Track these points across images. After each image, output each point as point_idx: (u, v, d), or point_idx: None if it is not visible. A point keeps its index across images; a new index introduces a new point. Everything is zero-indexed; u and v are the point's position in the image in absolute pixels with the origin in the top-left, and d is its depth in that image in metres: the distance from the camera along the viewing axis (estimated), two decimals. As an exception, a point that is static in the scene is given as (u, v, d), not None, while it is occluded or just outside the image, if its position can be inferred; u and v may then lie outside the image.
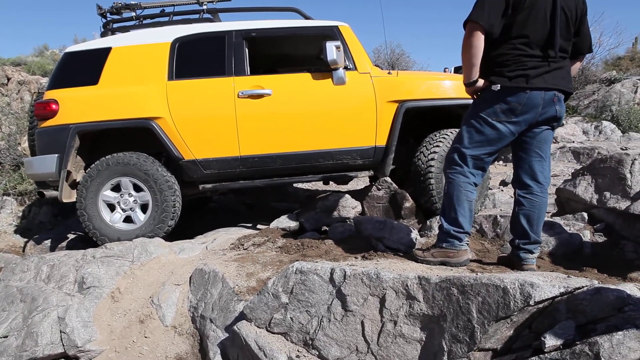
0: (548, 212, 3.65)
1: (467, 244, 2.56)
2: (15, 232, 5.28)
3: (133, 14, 4.21)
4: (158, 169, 3.69)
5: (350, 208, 3.86)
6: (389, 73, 3.89)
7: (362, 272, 2.08)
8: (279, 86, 3.79)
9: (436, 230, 3.04)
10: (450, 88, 3.84)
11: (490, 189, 4.49)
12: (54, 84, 3.87)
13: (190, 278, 2.95)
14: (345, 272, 2.12)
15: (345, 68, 3.76)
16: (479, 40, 2.32)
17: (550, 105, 2.36)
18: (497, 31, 2.32)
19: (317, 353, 2.08)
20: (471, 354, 1.75)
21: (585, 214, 3.38)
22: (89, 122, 3.70)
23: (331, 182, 4.70)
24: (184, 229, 4.15)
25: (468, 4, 2.42)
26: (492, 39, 2.34)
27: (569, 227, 3.21)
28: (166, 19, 4.22)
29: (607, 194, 3.32)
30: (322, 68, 3.85)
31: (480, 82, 2.42)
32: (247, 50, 3.85)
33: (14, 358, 2.68)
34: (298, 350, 2.12)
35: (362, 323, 2.03)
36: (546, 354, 1.60)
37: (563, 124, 8.19)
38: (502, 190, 4.92)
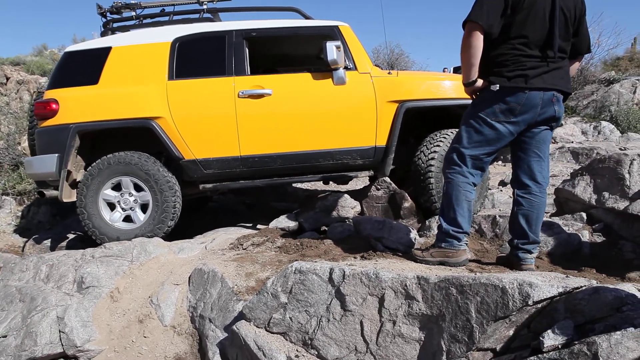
0: (547, 212, 3.66)
1: (466, 244, 2.57)
2: (14, 231, 5.28)
3: (133, 13, 4.21)
4: (159, 169, 3.69)
5: (349, 208, 3.86)
6: (389, 73, 3.89)
7: (361, 272, 2.08)
8: (279, 86, 3.79)
9: (435, 230, 3.04)
10: (450, 88, 3.84)
11: (489, 189, 4.49)
12: (54, 84, 3.87)
13: (189, 278, 2.95)
14: (344, 272, 2.12)
15: (346, 68, 3.76)
16: (478, 40, 2.32)
17: (549, 106, 2.37)
18: (496, 31, 2.33)
19: (316, 353, 2.08)
20: (470, 354, 1.75)
21: (584, 214, 3.39)
22: (89, 122, 3.70)
23: (331, 182, 4.70)
24: (183, 228, 4.15)
25: (467, 4, 2.43)
26: (491, 39, 2.34)
27: (568, 227, 3.21)
28: (166, 18, 4.22)
29: (606, 194, 3.33)
30: (322, 68, 3.85)
31: (479, 82, 2.43)
32: (247, 50, 3.84)
33: (13, 358, 2.67)
34: (297, 350, 2.13)
35: (361, 323, 2.03)
36: (545, 354, 1.61)
37: (562, 124, 8.19)
38: (501, 191, 4.92)
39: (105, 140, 3.94)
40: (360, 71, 3.81)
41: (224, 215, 5.09)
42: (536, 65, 2.33)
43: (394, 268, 2.25)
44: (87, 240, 4.57)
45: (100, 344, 2.72)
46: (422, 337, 1.91)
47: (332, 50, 3.55)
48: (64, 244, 4.72)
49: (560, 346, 1.60)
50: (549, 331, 1.63)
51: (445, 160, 2.60)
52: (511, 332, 1.75)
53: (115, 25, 4.19)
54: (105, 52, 3.84)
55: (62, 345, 2.69)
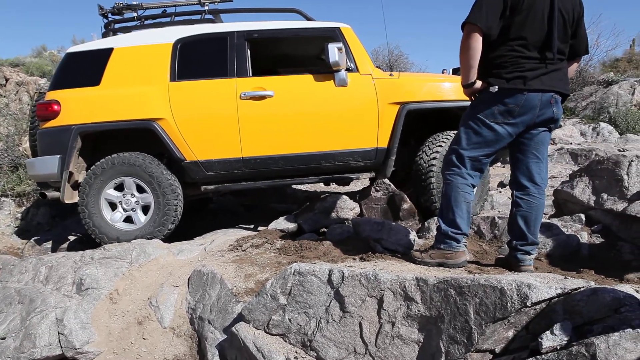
0: (546, 214, 3.66)
1: (465, 245, 2.57)
2: (13, 233, 5.28)
3: (134, 14, 4.21)
4: (163, 171, 3.70)
5: (348, 209, 3.86)
6: (390, 75, 3.90)
7: (360, 274, 2.08)
8: (281, 88, 3.80)
9: (434, 232, 3.05)
10: (451, 90, 3.85)
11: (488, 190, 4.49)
12: (56, 85, 3.87)
13: (188, 279, 2.95)
14: (343, 273, 2.12)
15: (347, 70, 3.77)
16: (477, 42, 2.33)
17: (548, 107, 2.37)
18: (495, 33, 2.33)
19: (315, 354, 2.08)
20: (468, 355, 1.75)
21: (582, 216, 3.40)
22: (91, 123, 3.71)
23: (331, 183, 4.71)
24: (185, 229, 4.15)
25: (466, 5, 2.43)
26: (489, 40, 2.35)
27: (567, 229, 3.22)
28: (167, 19, 4.22)
29: (605, 196, 3.34)
30: (323, 69, 3.85)
31: (478, 83, 2.43)
32: (249, 51, 3.85)
33: None
34: (296, 352, 2.13)
35: (360, 324, 2.03)
36: (543, 355, 1.61)
37: (561, 126, 8.20)
38: (500, 192, 4.93)
39: (107, 142, 3.94)
40: (362, 73, 3.82)
41: (223, 216, 5.09)
42: (535, 67, 2.34)
43: (393, 269, 2.25)
44: (87, 241, 4.57)
45: (99, 346, 2.72)
46: (421, 339, 1.91)
47: (334, 52, 3.56)
48: (63, 245, 4.72)
49: (558, 347, 1.60)
50: (548, 332, 1.63)
51: (444, 162, 2.60)
52: (510, 334, 1.75)
53: (116, 26, 4.19)
54: (107, 53, 3.84)
55: (61, 347, 2.69)
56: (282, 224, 3.83)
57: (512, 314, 1.71)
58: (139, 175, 3.68)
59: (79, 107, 3.73)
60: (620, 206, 3.20)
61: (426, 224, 3.53)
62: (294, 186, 5.99)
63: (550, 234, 3.06)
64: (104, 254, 3.25)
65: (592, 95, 10.58)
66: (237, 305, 2.56)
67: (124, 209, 3.76)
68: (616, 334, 1.50)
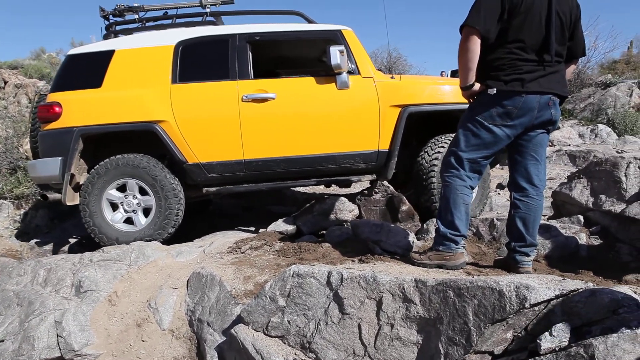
0: (544, 215, 3.67)
1: (464, 247, 2.58)
2: (12, 235, 5.27)
3: (136, 16, 4.21)
4: (166, 175, 3.70)
5: (347, 211, 3.86)
6: (391, 77, 3.91)
7: (359, 275, 2.09)
8: (282, 90, 3.81)
9: (433, 234, 3.05)
10: (452, 93, 3.86)
11: (486, 192, 4.50)
12: (57, 87, 3.87)
13: (187, 281, 2.95)
14: (342, 275, 2.13)
15: (349, 72, 3.78)
16: (476, 44, 2.34)
17: (546, 109, 2.38)
18: (493, 36, 2.34)
19: (314, 356, 2.08)
20: (467, 357, 1.75)
21: (581, 217, 3.41)
22: (93, 125, 3.71)
23: (331, 185, 4.72)
24: (184, 231, 4.14)
25: (465, 7, 2.44)
26: (488, 43, 2.36)
27: (565, 230, 3.23)
28: (169, 21, 4.22)
29: (603, 197, 3.35)
30: (324, 71, 3.87)
31: (477, 86, 2.44)
32: (250, 53, 3.86)
33: (11, 362, 2.67)
34: (295, 354, 2.13)
35: (359, 326, 2.03)
36: (542, 357, 1.61)
37: (559, 127, 8.22)
38: (498, 194, 4.94)
39: (108, 144, 3.94)
40: (363, 75, 3.83)
41: (222, 218, 5.09)
42: (533, 69, 2.35)
43: (391, 271, 2.26)
44: (85, 244, 4.57)
45: (98, 348, 2.71)
46: (420, 340, 1.91)
47: (335, 54, 3.57)
48: (62, 247, 4.71)
49: (557, 349, 1.60)
50: (546, 334, 1.63)
51: (442, 164, 2.61)
52: (508, 335, 1.75)
53: (118, 28, 4.19)
54: (108, 55, 3.85)
55: (60, 349, 2.68)
56: (281, 226, 3.83)
57: (511, 316, 1.71)
58: (142, 177, 3.68)
59: (80, 109, 3.73)
60: (618, 207, 3.21)
61: (425, 225, 3.53)
62: (293, 188, 5.99)
63: (548, 235, 3.07)
64: (102, 256, 3.25)
65: (590, 97, 10.61)
66: (236, 307, 2.55)
67: (125, 210, 3.76)
68: (614, 335, 1.50)
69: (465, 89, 2.47)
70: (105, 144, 3.94)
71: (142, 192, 3.73)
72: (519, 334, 1.73)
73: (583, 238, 3.17)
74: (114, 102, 3.74)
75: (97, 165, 3.73)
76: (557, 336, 1.61)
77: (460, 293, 1.83)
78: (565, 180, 3.87)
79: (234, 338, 2.31)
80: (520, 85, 2.34)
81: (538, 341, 1.63)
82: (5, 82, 9.80)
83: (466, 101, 2.64)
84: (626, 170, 3.31)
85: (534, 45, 2.34)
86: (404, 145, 3.89)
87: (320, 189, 5.91)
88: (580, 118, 9.97)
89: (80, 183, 3.81)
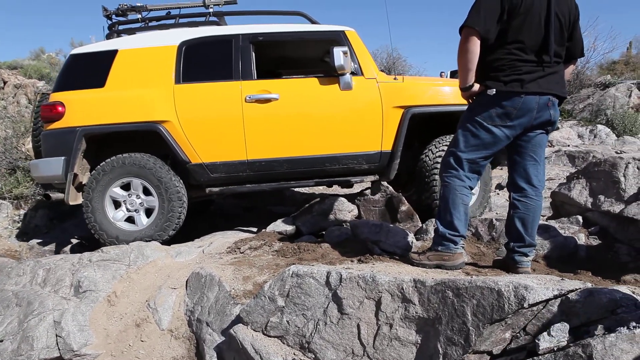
0: (543, 216, 3.68)
1: (463, 247, 2.58)
2: (11, 236, 5.27)
3: (139, 16, 4.21)
4: (172, 177, 3.71)
5: (346, 211, 3.87)
6: (394, 79, 3.93)
7: (358, 276, 2.09)
8: (286, 91, 3.82)
9: (432, 234, 3.05)
10: (455, 94, 3.86)
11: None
12: (60, 86, 3.87)
13: (186, 282, 2.95)
14: (341, 275, 2.13)
15: (352, 73, 3.79)
16: (475, 45, 2.34)
17: (545, 110, 2.39)
18: (492, 37, 2.35)
19: (314, 356, 2.09)
20: (466, 357, 1.76)
21: (580, 217, 3.41)
22: (97, 125, 3.71)
23: (333, 185, 4.72)
24: (186, 230, 4.14)
25: (464, 8, 2.45)
26: (487, 44, 2.36)
27: (564, 230, 3.23)
28: (172, 21, 4.22)
29: (602, 197, 3.35)
30: (327, 72, 3.87)
31: (476, 86, 2.45)
32: (253, 54, 3.86)
33: (10, 362, 2.67)
34: (294, 354, 2.13)
35: (358, 326, 2.03)
36: (540, 356, 1.62)
37: (558, 128, 8.22)
38: (497, 194, 4.95)
39: (111, 143, 3.94)
40: (367, 76, 3.84)
41: (221, 219, 5.09)
42: (532, 70, 2.35)
43: (390, 271, 2.26)
44: (85, 244, 4.56)
45: (97, 348, 2.71)
46: (419, 340, 1.92)
47: (339, 55, 3.58)
48: (61, 248, 4.71)
49: (555, 348, 1.61)
50: (545, 333, 1.64)
51: (442, 164, 2.62)
52: (507, 335, 1.75)
53: (120, 27, 4.19)
54: (111, 55, 3.85)
55: (59, 349, 2.68)
56: (280, 226, 3.83)
57: (510, 316, 1.71)
58: (147, 178, 3.69)
59: (83, 108, 3.73)
60: (617, 208, 3.21)
61: (424, 226, 3.54)
62: (292, 188, 6.00)
63: (547, 235, 3.07)
64: (102, 256, 3.25)
65: (589, 97, 10.61)
66: (235, 308, 2.56)
67: (127, 209, 3.76)
68: (612, 335, 1.51)
69: (465, 89, 2.48)
70: (108, 143, 3.93)
71: (146, 192, 3.73)
72: (518, 334, 1.74)
73: (582, 238, 3.17)
74: (117, 102, 3.74)
75: (104, 162, 3.73)
76: (556, 336, 1.61)
77: (459, 293, 1.83)
78: (564, 181, 3.87)
79: (233, 338, 2.31)
80: (519, 85, 2.34)
81: (536, 341, 1.64)
82: (5, 83, 9.80)
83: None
84: (625, 170, 3.32)
85: (533, 46, 2.34)
86: (406, 146, 3.90)
87: (320, 189, 5.92)
88: (580, 119, 9.98)
89: (83, 183, 3.81)
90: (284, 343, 2.19)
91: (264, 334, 2.25)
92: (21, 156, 6.16)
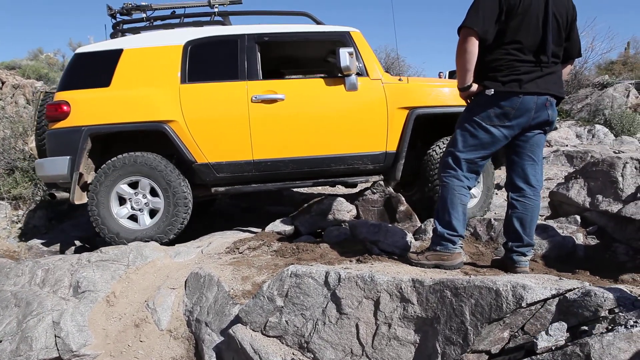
0: (541, 215, 3.68)
1: (461, 247, 2.59)
2: (10, 236, 5.26)
3: (143, 15, 4.21)
4: (181, 182, 3.71)
5: (345, 211, 3.87)
6: (399, 80, 3.94)
7: (357, 275, 2.09)
8: (291, 91, 3.83)
9: (430, 234, 3.06)
10: (459, 96, 3.88)
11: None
12: (65, 86, 3.86)
13: (185, 282, 2.95)
14: (339, 275, 2.13)
15: (357, 74, 3.80)
16: (473, 46, 2.35)
17: (543, 110, 2.40)
18: (490, 37, 2.36)
19: (312, 356, 2.09)
20: (464, 356, 1.76)
21: (578, 217, 3.42)
22: (102, 125, 3.71)
23: (330, 185, 4.73)
24: (186, 230, 4.13)
25: (463, 8, 2.46)
26: (485, 44, 2.37)
27: (562, 230, 3.24)
28: (176, 21, 4.21)
29: (600, 197, 3.36)
30: (330, 72, 3.88)
31: (474, 86, 2.45)
32: (259, 54, 3.87)
33: (8, 363, 2.66)
34: (293, 354, 2.13)
35: (357, 326, 2.04)
36: (538, 356, 1.62)
37: (556, 128, 8.24)
38: (496, 194, 4.95)
39: (116, 143, 3.93)
40: (372, 77, 3.86)
41: (221, 219, 5.09)
42: (530, 70, 2.36)
43: (389, 271, 2.26)
44: (84, 244, 4.56)
45: (96, 349, 2.71)
46: (417, 340, 1.92)
47: (345, 56, 3.60)
48: (60, 248, 4.70)
49: (553, 348, 1.61)
50: (543, 333, 1.64)
51: (440, 164, 2.62)
52: (505, 334, 1.76)
53: (125, 27, 4.18)
54: (116, 54, 3.84)
55: (58, 350, 2.68)
56: (279, 226, 3.83)
57: (508, 315, 1.72)
58: (157, 179, 3.69)
59: (89, 108, 3.73)
60: (615, 207, 3.22)
61: (422, 225, 3.54)
62: (292, 188, 5.99)
63: (546, 235, 3.08)
64: (100, 256, 3.25)
65: (587, 97, 10.63)
66: (234, 308, 2.56)
67: (132, 207, 3.76)
68: (610, 334, 1.51)
69: (463, 89, 2.48)
70: (114, 143, 3.93)
71: (153, 193, 3.73)
72: (516, 333, 1.74)
73: (580, 238, 3.18)
74: (123, 101, 3.74)
75: (115, 158, 3.72)
76: (554, 335, 1.62)
77: (457, 293, 1.84)
78: (563, 181, 3.88)
79: (232, 338, 2.31)
80: (517, 86, 2.35)
81: (535, 340, 1.65)
82: (3, 83, 9.78)
83: None
84: (623, 170, 3.33)
85: (531, 46, 2.35)
86: (410, 147, 3.91)
87: (318, 189, 5.92)
88: (578, 119, 10.00)
89: (88, 182, 3.81)
90: (282, 343, 2.20)
91: (262, 334, 2.25)
92: (20, 156, 6.15)
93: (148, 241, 3.60)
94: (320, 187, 5.80)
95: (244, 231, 4.07)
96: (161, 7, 4.26)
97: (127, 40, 3.98)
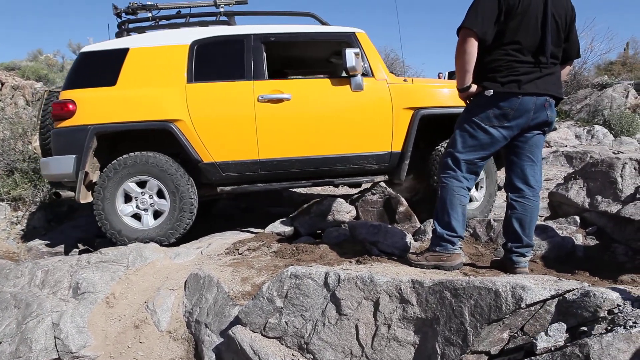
0: (541, 216, 3.69)
1: (461, 247, 2.59)
2: (9, 237, 5.25)
3: (149, 14, 4.21)
4: (190, 188, 3.72)
5: (344, 212, 3.87)
6: (404, 80, 3.96)
7: (356, 276, 2.09)
8: (298, 91, 3.84)
9: (430, 234, 3.06)
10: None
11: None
12: (71, 84, 3.86)
13: (185, 283, 2.95)
14: (339, 276, 2.13)
15: (363, 75, 3.81)
16: (473, 46, 2.35)
17: (542, 111, 2.40)
18: (490, 38, 2.36)
19: (312, 357, 2.09)
20: (464, 357, 1.76)
21: (577, 218, 3.42)
22: (108, 124, 3.71)
23: (334, 185, 4.74)
24: (187, 231, 4.13)
25: (462, 8, 2.46)
26: (485, 45, 2.37)
27: (562, 231, 3.24)
28: (182, 20, 4.22)
29: (599, 198, 3.36)
30: (335, 72, 3.88)
31: (474, 87, 2.46)
32: (265, 54, 3.88)
33: (8, 364, 2.66)
34: (293, 355, 2.13)
35: (357, 327, 2.04)
36: (538, 356, 1.62)
37: (556, 128, 8.24)
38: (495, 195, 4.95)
39: (122, 142, 3.93)
40: (377, 78, 3.88)
41: (220, 219, 5.09)
42: (529, 71, 2.37)
43: (388, 272, 2.26)
44: (83, 246, 4.56)
45: (96, 350, 2.71)
46: (417, 341, 1.92)
47: (351, 57, 3.62)
48: (59, 249, 4.70)
49: (553, 348, 1.61)
50: (542, 333, 1.65)
51: (440, 165, 2.62)
52: (505, 335, 1.76)
53: (130, 26, 4.18)
54: (122, 53, 3.85)
55: (58, 351, 2.68)
56: (278, 227, 3.84)
57: (507, 316, 1.72)
58: (166, 182, 3.69)
59: (95, 107, 3.73)
60: (614, 208, 3.22)
61: (422, 226, 3.54)
62: (290, 189, 5.99)
63: (545, 236, 3.08)
64: (100, 257, 3.25)
65: (586, 98, 10.64)
66: (233, 309, 2.56)
67: (137, 206, 3.76)
68: (609, 334, 1.52)
69: (462, 90, 2.49)
70: (120, 142, 3.93)
71: (160, 194, 3.73)
72: (515, 334, 1.74)
73: (579, 239, 3.18)
74: (129, 100, 3.74)
75: (126, 155, 3.72)
76: (553, 336, 1.62)
77: (456, 293, 1.84)
78: (562, 181, 3.88)
79: (231, 339, 2.31)
80: (516, 86, 2.35)
81: (534, 341, 1.65)
82: (2, 84, 9.78)
83: None
84: (622, 171, 3.33)
85: (530, 47, 2.36)
86: (414, 147, 3.92)
87: (318, 189, 5.92)
88: (577, 119, 10.00)
89: (94, 181, 3.80)
90: (282, 344, 2.20)
91: (262, 335, 2.25)
92: (19, 158, 6.15)
93: (148, 242, 3.60)
94: (320, 188, 5.81)
95: (244, 232, 4.08)
96: (167, 6, 4.27)
97: (133, 39, 3.98)
